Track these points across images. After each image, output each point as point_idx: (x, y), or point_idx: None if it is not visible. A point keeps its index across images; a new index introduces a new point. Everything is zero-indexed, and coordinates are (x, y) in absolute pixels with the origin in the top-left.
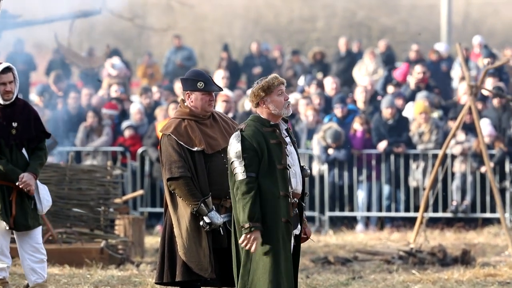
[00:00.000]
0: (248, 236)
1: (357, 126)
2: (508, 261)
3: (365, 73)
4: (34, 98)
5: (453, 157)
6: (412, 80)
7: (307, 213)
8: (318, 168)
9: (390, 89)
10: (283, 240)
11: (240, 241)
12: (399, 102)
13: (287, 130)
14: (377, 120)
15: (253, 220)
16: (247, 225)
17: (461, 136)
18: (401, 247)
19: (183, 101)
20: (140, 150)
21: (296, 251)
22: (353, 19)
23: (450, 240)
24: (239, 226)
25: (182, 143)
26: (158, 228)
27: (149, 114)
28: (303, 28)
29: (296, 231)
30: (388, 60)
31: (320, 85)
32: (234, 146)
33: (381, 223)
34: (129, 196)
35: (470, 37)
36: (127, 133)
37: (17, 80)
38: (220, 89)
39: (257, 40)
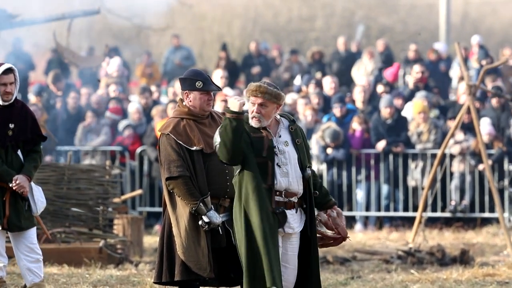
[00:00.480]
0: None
1: (355, 125)
2: (507, 261)
3: (364, 72)
4: (31, 97)
5: (452, 156)
6: (410, 80)
7: None
8: (316, 167)
9: (380, 88)
10: (272, 229)
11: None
12: (397, 102)
13: (290, 128)
14: (375, 120)
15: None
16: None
17: (459, 135)
18: (400, 246)
19: (182, 100)
20: (139, 150)
21: (306, 249)
22: (351, 18)
23: (449, 239)
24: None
25: (181, 142)
26: (157, 227)
27: (148, 113)
28: (302, 27)
29: (288, 230)
30: (387, 59)
31: (319, 84)
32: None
33: (380, 222)
34: (128, 195)
35: (468, 36)
36: (126, 133)
37: (17, 81)
38: (219, 89)
39: (256, 39)
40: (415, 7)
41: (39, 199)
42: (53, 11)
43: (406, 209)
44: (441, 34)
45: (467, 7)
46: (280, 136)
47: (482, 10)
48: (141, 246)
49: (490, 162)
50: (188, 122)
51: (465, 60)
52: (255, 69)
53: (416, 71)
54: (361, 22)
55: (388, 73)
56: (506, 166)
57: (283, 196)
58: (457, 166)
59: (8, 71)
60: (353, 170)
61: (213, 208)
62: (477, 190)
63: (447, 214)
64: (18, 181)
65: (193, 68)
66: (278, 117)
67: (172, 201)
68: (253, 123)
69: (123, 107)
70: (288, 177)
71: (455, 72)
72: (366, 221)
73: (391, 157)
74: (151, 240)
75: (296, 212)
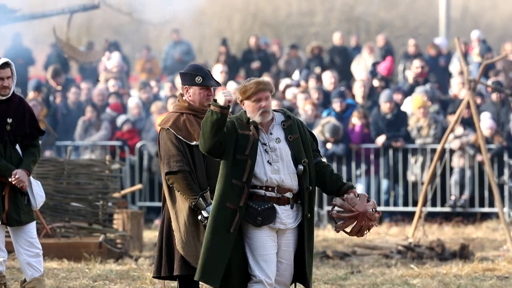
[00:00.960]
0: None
1: (355, 120)
2: (507, 256)
3: (364, 67)
4: (29, 92)
5: (452, 151)
6: (410, 75)
7: None
8: None
9: (376, 83)
10: (226, 224)
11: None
12: (397, 96)
13: (283, 124)
14: (375, 115)
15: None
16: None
17: (459, 130)
18: (400, 241)
19: (182, 95)
20: (138, 144)
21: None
22: (351, 13)
23: (449, 234)
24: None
25: (180, 137)
26: (157, 222)
27: (148, 108)
28: (302, 22)
29: (280, 225)
30: (387, 54)
31: (319, 79)
32: None
33: (380, 217)
34: (128, 190)
35: (468, 31)
36: (125, 127)
37: (14, 75)
38: (218, 84)
39: (256, 34)
40: (415, 1)
41: (38, 194)
42: (53, 6)
43: (406, 204)
44: (441, 28)
45: (467, 2)
46: (271, 134)
47: (482, 4)
48: (141, 241)
49: (489, 155)
50: (188, 117)
51: (465, 55)
52: (255, 64)
53: (415, 66)
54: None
55: (381, 68)
56: (506, 160)
57: (275, 192)
58: (457, 161)
59: (5, 65)
60: (353, 165)
61: (212, 203)
62: (476, 185)
63: (447, 209)
64: (17, 176)
65: (193, 63)
66: (273, 113)
67: (172, 196)
68: (263, 118)
69: (123, 102)
70: (280, 173)
71: (455, 67)
72: None
73: (391, 152)
74: (151, 235)
75: (292, 208)
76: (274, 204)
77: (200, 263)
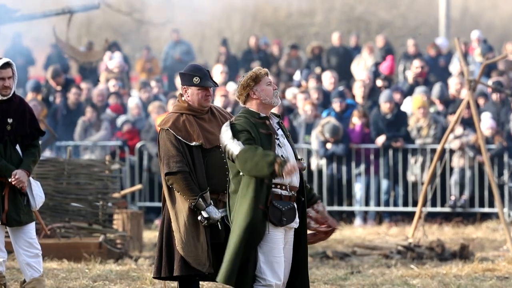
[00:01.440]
0: (287, 166)
1: (355, 120)
2: (507, 256)
3: (364, 67)
4: (28, 93)
5: (452, 151)
6: (410, 75)
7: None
8: (316, 162)
9: (379, 83)
10: (262, 227)
11: (285, 174)
12: (396, 96)
13: (278, 123)
14: (375, 115)
15: (274, 156)
16: (279, 160)
17: (459, 130)
18: (400, 241)
19: (181, 95)
20: (138, 145)
21: (299, 245)
22: (351, 13)
23: (449, 234)
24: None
25: (180, 137)
26: (157, 222)
27: (148, 108)
28: (302, 22)
29: (294, 225)
30: (388, 55)
31: (319, 79)
32: (225, 133)
33: (380, 217)
34: (128, 190)
35: (468, 31)
36: (125, 128)
37: (15, 76)
38: (216, 85)
39: (256, 34)
40: (415, 1)
41: (38, 194)
42: (53, 6)
43: (405, 204)
44: (441, 28)
45: (467, 2)
46: (278, 129)
47: (482, 4)
48: (141, 241)
49: (489, 155)
50: (188, 118)
51: (465, 55)
52: (255, 64)
53: (415, 66)
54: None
55: (383, 67)
56: (506, 161)
57: (288, 190)
58: (457, 161)
59: (6, 65)
60: (353, 165)
61: (212, 204)
62: (476, 185)
63: (446, 209)
64: (17, 176)
65: (193, 63)
66: None
67: (172, 196)
68: (279, 100)
69: (123, 103)
70: None
71: (455, 67)
72: (365, 216)
73: (390, 152)
74: (151, 235)
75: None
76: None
77: (233, 268)
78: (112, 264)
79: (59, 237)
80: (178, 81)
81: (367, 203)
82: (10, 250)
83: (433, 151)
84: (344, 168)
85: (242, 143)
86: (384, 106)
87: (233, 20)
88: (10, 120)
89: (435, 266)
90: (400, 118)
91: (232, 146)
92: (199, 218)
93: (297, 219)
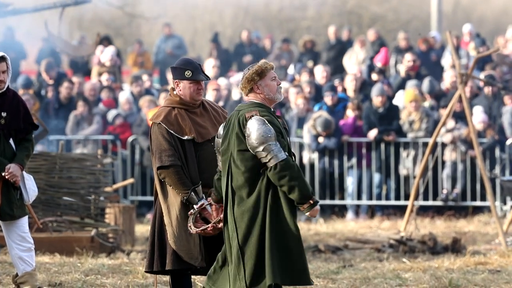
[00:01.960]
0: (315, 208)
1: (349, 112)
2: (498, 249)
3: (355, 61)
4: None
5: (444, 145)
6: (402, 68)
7: None
8: (308, 156)
9: (375, 76)
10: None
11: (307, 214)
12: (387, 90)
13: None
14: (367, 109)
15: (312, 194)
16: (312, 201)
17: (450, 123)
18: (392, 235)
19: (173, 89)
20: (130, 139)
21: None
22: (343, 7)
23: (441, 228)
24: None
25: (172, 131)
26: (149, 216)
27: (139, 102)
28: (294, 16)
29: None
30: (381, 47)
31: (311, 73)
32: (260, 130)
33: (372, 211)
34: (120, 184)
35: (460, 25)
36: (117, 122)
37: (10, 70)
38: (208, 78)
39: (248, 28)
40: None
41: (31, 188)
42: (44, 0)
43: (398, 197)
44: (433, 22)
45: None
46: None
47: None
48: (133, 235)
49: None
50: (180, 112)
51: (457, 48)
52: (247, 58)
53: (407, 59)
54: None
55: (378, 59)
56: (498, 154)
57: None
58: (448, 155)
59: (1, 59)
60: (345, 158)
61: (204, 197)
62: (468, 179)
63: (438, 203)
64: (10, 170)
65: (184, 57)
66: None
67: (164, 190)
68: (282, 96)
69: (116, 97)
70: None
71: (446, 60)
72: (357, 209)
73: (382, 145)
74: (143, 229)
75: None
76: None
77: (300, 267)
78: (104, 258)
79: (51, 231)
80: (170, 76)
81: (359, 197)
82: (2, 244)
83: (425, 144)
84: (336, 162)
85: (282, 151)
86: (376, 100)
87: (225, 14)
88: (4, 114)
89: (427, 259)
90: (392, 112)
91: (275, 150)
92: (191, 212)
93: None
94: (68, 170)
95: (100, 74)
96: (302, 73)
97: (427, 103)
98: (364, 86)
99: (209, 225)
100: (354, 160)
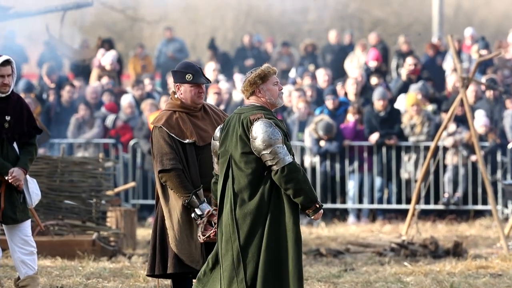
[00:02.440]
0: (320, 212)
1: (350, 117)
2: (500, 253)
3: (357, 65)
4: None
5: (445, 149)
6: (403, 72)
7: None
8: (310, 160)
9: (374, 80)
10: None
11: (313, 217)
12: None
13: None
14: (368, 112)
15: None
16: (318, 205)
17: (452, 127)
18: (393, 239)
19: (174, 93)
20: (132, 142)
21: None
22: (344, 11)
23: (442, 232)
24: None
25: (173, 135)
26: (150, 220)
27: (141, 106)
28: (295, 20)
29: None
30: (383, 52)
31: (313, 77)
32: (268, 133)
33: (373, 215)
34: (121, 188)
35: (462, 28)
36: (118, 125)
37: (15, 73)
38: (209, 82)
39: (249, 32)
40: None
41: (34, 192)
42: (46, 3)
43: (399, 201)
44: (434, 26)
45: None
46: None
47: (475, 1)
48: (134, 239)
49: (482, 153)
50: (181, 115)
51: (458, 52)
52: (248, 62)
53: (409, 63)
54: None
55: (370, 57)
56: (499, 158)
57: None
58: (450, 159)
59: (6, 63)
60: (346, 162)
61: (205, 201)
62: (470, 183)
63: (440, 207)
64: (14, 174)
65: (185, 60)
66: None
67: (165, 194)
68: (283, 101)
69: (117, 101)
70: None
71: (448, 64)
72: (359, 213)
73: (384, 149)
74: (144, 233)
75: None
76: None
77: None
78: (106, 261)
79: (53, 234)
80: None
81: (360, 201)
82: (4, 248)
83: (427, 148)
84: (337, 166)
85: (288, 155)
86: (378, 104)
87: (227, 17)
88: (8, 118)
89: (428, 263)
90: (393, 116)
91: (281, 153)
92: (192, 215)
93: None
94: (69, 174)
95: (99, 77)
96: (305, 76)
97: (430, 107)
98: (365, 90)
99: (213, 228)
100: (355, 164)
